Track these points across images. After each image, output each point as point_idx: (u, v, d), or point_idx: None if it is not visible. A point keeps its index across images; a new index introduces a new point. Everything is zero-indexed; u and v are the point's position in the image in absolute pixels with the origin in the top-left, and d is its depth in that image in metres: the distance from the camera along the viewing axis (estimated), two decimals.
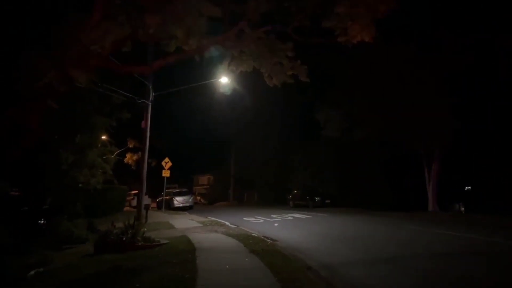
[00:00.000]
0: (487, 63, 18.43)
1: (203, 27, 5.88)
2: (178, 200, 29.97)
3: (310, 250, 9.12)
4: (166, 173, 23.55)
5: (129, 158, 28.88)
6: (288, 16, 6.58)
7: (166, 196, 27.24)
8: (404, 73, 19.80)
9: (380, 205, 22.31)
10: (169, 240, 10.34)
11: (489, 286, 6.11)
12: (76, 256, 9.12)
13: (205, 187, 53.85)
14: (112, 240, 9.01)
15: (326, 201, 27.34)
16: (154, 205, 29.95)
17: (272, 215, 19.72)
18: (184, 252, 8.34)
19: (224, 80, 15.26)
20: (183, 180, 48.22)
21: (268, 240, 10.37)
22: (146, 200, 15.28)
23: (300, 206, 27.99)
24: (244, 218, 18.55)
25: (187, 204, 30.16)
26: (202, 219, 18.51)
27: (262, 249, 8.54)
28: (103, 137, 21.15)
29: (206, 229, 13.50)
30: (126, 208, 29.02)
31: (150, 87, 13.99)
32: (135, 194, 29.56)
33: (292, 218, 18.54)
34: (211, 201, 45.81)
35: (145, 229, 10.48)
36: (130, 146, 28.32)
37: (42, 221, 12.52)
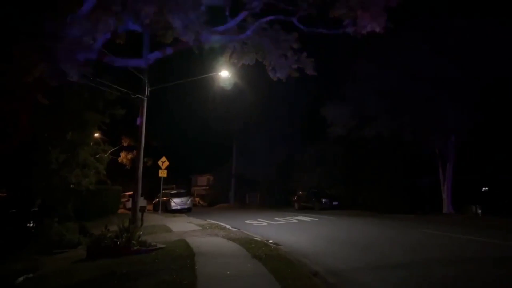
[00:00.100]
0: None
1: (202, 16, 5.86)
2: (176, 202, 29.99)
3: (316, 255, 9.12)
4: (163, 173, 23.59)
5: (123, 157, 28.87)
6: (293, 5, 6.55)
7: (163, 197, 27.30)
8: (419, 66, 19.69)
9: (391, 207, 22.25)
10: (166, 244, 10.34)
11: None
12: (67, 261, 9.13)
13: (204, 188, 53.81)
14: (105, 245, 9.02)
15: (334, 203, 27.29)
16: (150, 207, 30.01)
17: (276, 218, 19.77)
18: (183, 257, 8.35)
19: (224, 74, 15.21)
20: (181, 180, 48.28)
21: (272, 245, 10.38)
22: (141, 201, 15.24)
23: (305, 208, 28.01)
24: (246, 221, 18.57)
25: (185, 206, 30.18)
26: (201, 222, 18.50)
27: (266, 254, 8.53)
28: (96, 134, 21.13)
29: (205, 233, 13.50)
30: (121, 210, 29.13)
31: (146, 81, 13.94)
32: (130, 196, 29.71)
33: (297, 221, 18.56)
34: (211, 203, 45.81)
35: (141, 232, 10.48)
36: (125, 144, 28.31)
37: (31, 224, 12.57)
